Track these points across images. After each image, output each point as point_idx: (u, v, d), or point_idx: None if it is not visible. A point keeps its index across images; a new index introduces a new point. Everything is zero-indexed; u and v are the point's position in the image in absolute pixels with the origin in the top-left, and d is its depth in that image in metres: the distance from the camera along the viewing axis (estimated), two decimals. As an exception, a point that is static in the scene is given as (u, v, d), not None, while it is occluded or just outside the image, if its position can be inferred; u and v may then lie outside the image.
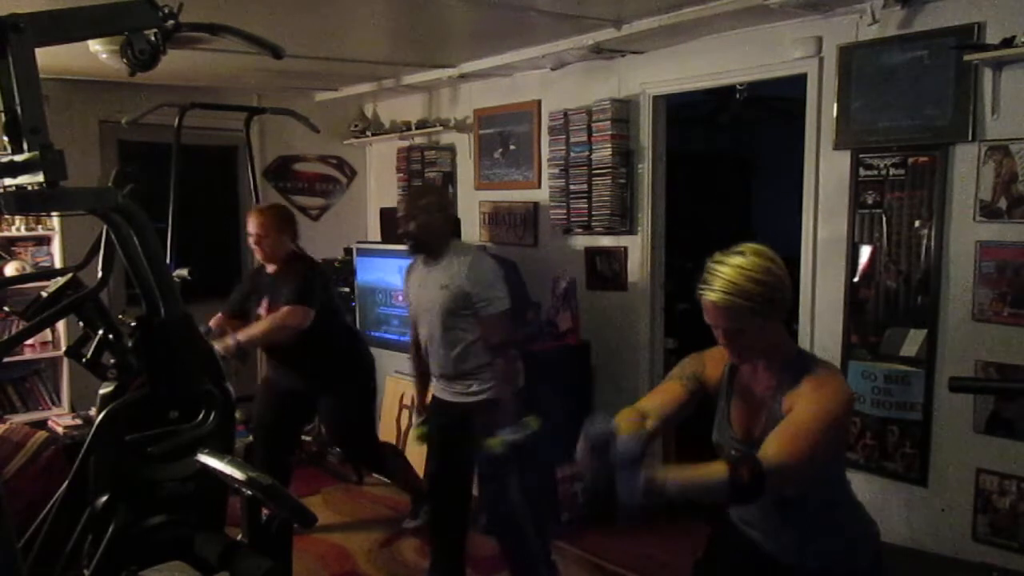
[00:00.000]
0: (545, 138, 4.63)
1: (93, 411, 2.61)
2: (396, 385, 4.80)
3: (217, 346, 3.38)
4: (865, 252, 3.36)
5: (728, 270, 1.87)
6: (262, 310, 3.70)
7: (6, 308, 3.16)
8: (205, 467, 1.58)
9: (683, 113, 4.86)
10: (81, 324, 1.81)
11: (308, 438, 4.95)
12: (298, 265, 3.70)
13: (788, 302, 1.95)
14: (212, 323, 3.81)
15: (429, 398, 3.40)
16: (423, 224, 3.12)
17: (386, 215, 5.17)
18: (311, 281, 3.61)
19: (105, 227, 1.65)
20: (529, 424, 3.06)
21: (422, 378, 3.41)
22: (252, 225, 3.70)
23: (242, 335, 3.47)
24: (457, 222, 4.94)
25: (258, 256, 3.78)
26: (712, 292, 1.88)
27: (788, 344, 2.03)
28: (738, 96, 4.85)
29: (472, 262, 3.12)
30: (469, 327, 3.11)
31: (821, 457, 1.83)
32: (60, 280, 1.89)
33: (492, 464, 3.11)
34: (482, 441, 3.05)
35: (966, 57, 2.96)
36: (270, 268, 3.76)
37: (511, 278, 4.60)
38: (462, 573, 3.41)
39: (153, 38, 1.61)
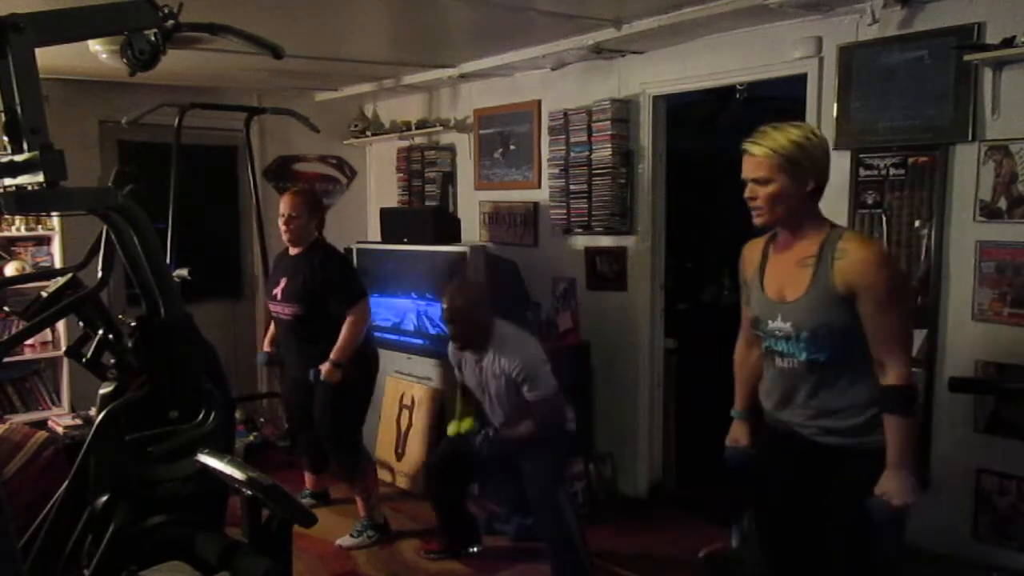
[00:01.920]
0: (545, 138, 4.63)
1: (93, 411, 2.61)
2: (396, 385, 4.79)
3: (324, 376, 3.71)
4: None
5: (773, 131, 2.13)
6: (278, 290, 3.82)
7: (6, 308, 3.17)
8: (205, 467, 1.58)
9: (683, 113, 4.85)
10: (81, 324, 1.81)
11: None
12: (327, 258, 3.82)
13: (821, 176, 2.14)
14: (267, 344, 4.24)
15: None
16: (466, 326, 3.42)
17: (386, 215, 5.17)
18: (352, 273, 3.87)
19: (105, 227, 1.66)
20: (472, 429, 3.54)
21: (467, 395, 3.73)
22: (284, 205, 3.82)
23: (334, 355, 3.69)
24: (457, 222, 4.95)
25: (284, 238, 3.86)
26: (752, 145, 2.14)
27: (819, 217, 2.19)
28: (738, 96, 4.84)
29: (515, 350, 3.36)
30: (524, 401, 3.38)
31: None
32: (60, 280, 1.89)
33: (540, 483, 3.35)
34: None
35: (966, 57, 2.96)
36: (293, 251, 3.86)
37: (511, 278, 4.62)
38: (470, 526, 3.81)
39: (153, 38, 1.61)
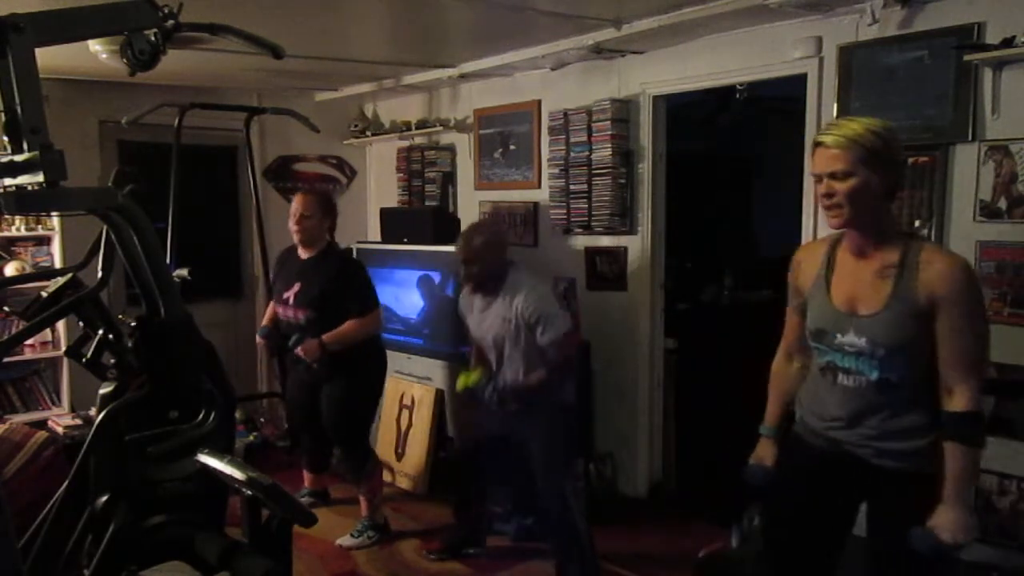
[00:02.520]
0: (545, 138, 4.63)
1: (93, 411, 2.61)
2: (396, 385, 4.79)
3: (301, 351, 3.66)
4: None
5: (849, 121, 1.95)
6: (290, 294, 3.77)
7: (6, 308, 3.16)
8: (205, 467, 1.58)
9: (683, 113, 4.85)
10: (81, 324, 1.81)
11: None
12: (343, 263, 3.82)
13: (899, 172, 2.02)
14: (266, 320, 4.07)
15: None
16: (483, 267, 3.31)
17: (386, 215, 5.17)
18: (367, 281, 3.80)
19: (105, 227, 1.65)
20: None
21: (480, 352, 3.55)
22: (298, 204, 3.77)
23: (327, 337, 3.64)
24: (457, 222, 4.95)
25: (296, 239, 3.82)
26: (827, 135, 1.95)
27: (894, 223, 2.06)
28: (738, 96, 4.85)
29: (529, 291, 3.27)
30: (534, 350, 3.27)
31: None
32: (60, 280, 1.89)
33: (550, 465, 3.30)
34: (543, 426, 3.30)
35: (966, 57, 2.96)
36: (304, 254, 3.81)
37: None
38: (481, 528, 3.78)
39: (153, 38, 1.61)
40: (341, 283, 3.70)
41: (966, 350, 1.92)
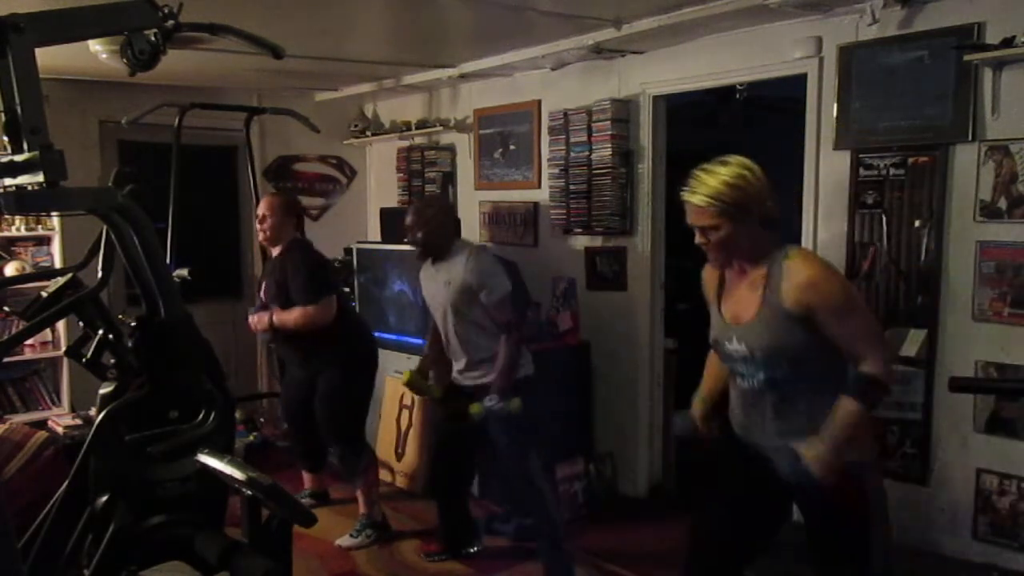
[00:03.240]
0: (545, 138, 4.63)
1: (93, 411, 2.61)
2: (396, 385, 4.78)
3: (252, 317, 3.79)
4: (865, 252, 3.36)
5: (708, 176, 2.12)
6: (263, 292, 3.87)
7: (6, 308, 3.16)
8: (205, 467, 1.58)
9: (683, 113, 4.85)
10: (81, 324, 1.81)
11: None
12: (297, 255, 3.80)
13: (765, 208, 2.14)
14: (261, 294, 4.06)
15: (436, 377, 3.68)
16: (429, 232, 3.40)
17: (386, 215, 5.17)
18: (316, 273, 3.77)
19: (105, 227, 1.65)
20: (512, 403, 3.29)
21: (433, 345, 3.64)
22: (260, 207, 3.88)
23: (277, 315, 3.74)
24: (458, 222, 4.94)
25: (260, 238, 3.93)
26: (693, 194, 2.13)
27: (766, 243, 2.18)
28: (738, 96, 4.85)
29: (469, 257, 3.36)
30: (477, 319, 3.36)
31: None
32: (60, 280, 1.89)
33: (508, 435, 3.34)
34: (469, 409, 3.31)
35: (966, 57, 2.96)
36: (274, 252, 3.90)
37: (511, 278, 4.61)
38: (470, 526, 3.80)
39: (153, 38, 1.61)
40: (291, 274, 3.73)
41: (857, 330, 2.08)
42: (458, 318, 3.38)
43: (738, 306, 2.23)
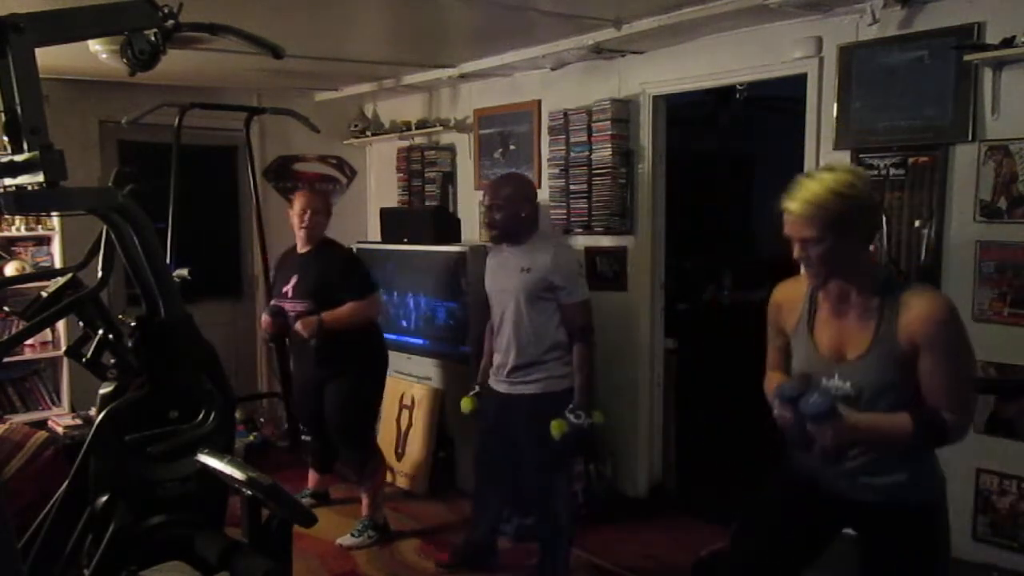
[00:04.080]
0: (545, 138, 4.63)
1: (93, 411, 2.61)
2: (396, 385, 4.79)
3: (300, 325, 3.68)
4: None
5: (812, 183, 1.92)
6: (289, 287, 3.84)
7: (6, 308, 3.16)
8: (205, 467, 1.58)
9: (683, 113, 4.85)
10: (81, 324, 1.81)
11: (308, 438, 4.95)
12: (337, 252, 3.86)
13: (872, 223, 2.02)
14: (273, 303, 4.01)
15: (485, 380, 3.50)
16: (508, 215, 3.21)
17: (386, 215, 5.17)
18: (363, 270, 3.86)
19: (105, 227, 1.65)
20: (596, 415, 3.17)
21: (489, 355, 3.47)
22: (303, 201, 3.87)
23: (326, 316, 3.67)
24: (457, 222, 4.94)
25: (301, 235, 3.90)
26: (793, 202, 1.93)
27: (873, 267, 2.04)
28: (738, 96, 4.85)
29: (557, 252, 3.22)
30: (544, 312, 3.19)
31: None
32: (60, 280, 1.89)
33: (550, 458, 3.20)
34: (540, 427, 3.12)
35: (966, 57, 2.96)
36: (303, 249, 3.89)
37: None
38: (494, 544, 3.60)
39: (153, 38, 1.61)
40: (337, 271, 3.76)
41: (948, 380, 1.91)
42: (528, 307, 3.18)
43: (842, 339, 2.02)
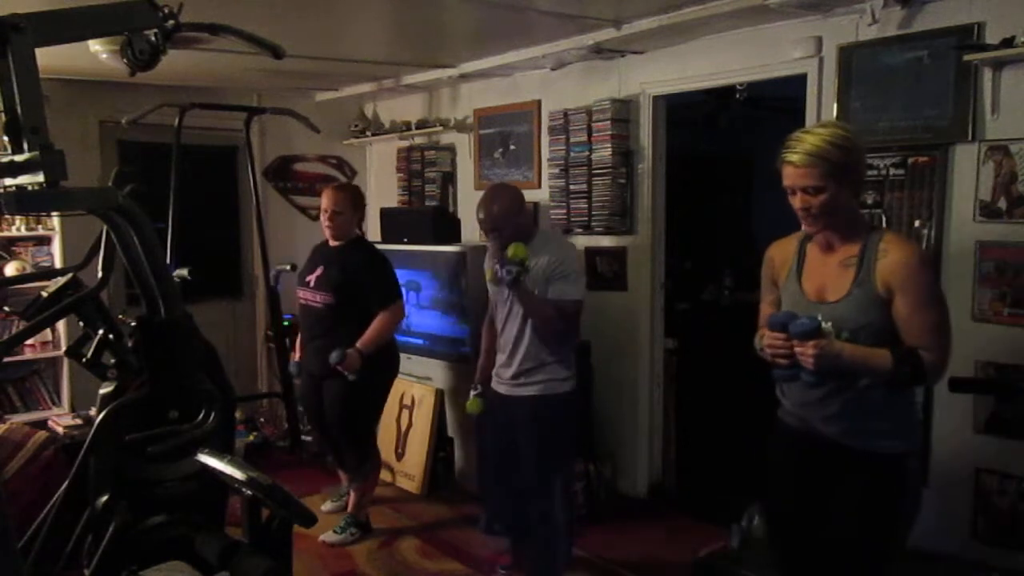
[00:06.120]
0: (545, 138, 4.63)
1: (93, 411, 2.61)
2: (396, 385, 4.76)
3: (344, 368, 3.63)
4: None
5: (811, 136, 2.06)
6: (312, 277, 3.84)
7: (6, 308, 3.17)
8: (205, 467, 1.58)
9: (683, 113, 4.86)
10: (81, 324, 1.81)
11: (308, 438, 4.96)
12: (369, 254, 3.84)
13: (862, 174, 2.16)
14: (299, 354, 4.06)
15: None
16: (509, 230, 3.18)
17: (386, 215, 5.17)
18: (392, 276, 3.86)
19: (105, 227, 1.65)
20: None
21: (488, 353, 3.47)
22: (328, 200, 3.83)
23: (361, 344, 3.68)
24: (457, 222, 4.95)
25: (327, 233, 3.88)
26: (793, 154, 2.06)
27: (861, 218, 2.19)
28: (738, 96, 4.85)
29: (558, 249, 3.23)
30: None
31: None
32: (60, 280, 1.89)
33: (549, 459, 3.22)
34: (540, 428, 3.19)
35: (966, 57, 2.96)
36: (333, 243, 3.88)
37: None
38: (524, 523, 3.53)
39: (153, 38, 1.61)
40: (365, 272, 3.75)
41: (927, 324, 2.04)
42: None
43: (825, 283, 2.16)
